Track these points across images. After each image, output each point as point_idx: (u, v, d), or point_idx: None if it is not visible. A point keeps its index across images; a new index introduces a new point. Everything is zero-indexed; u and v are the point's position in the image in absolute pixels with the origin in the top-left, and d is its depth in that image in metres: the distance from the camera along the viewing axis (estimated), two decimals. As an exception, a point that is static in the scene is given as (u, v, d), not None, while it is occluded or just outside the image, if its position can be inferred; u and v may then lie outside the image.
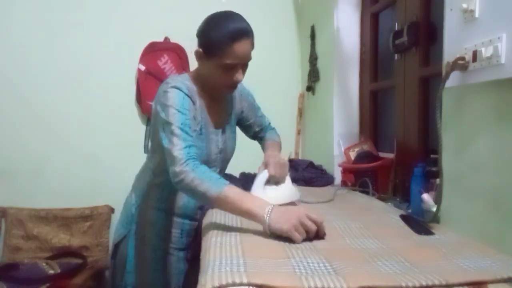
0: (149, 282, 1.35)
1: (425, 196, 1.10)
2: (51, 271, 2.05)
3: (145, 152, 2.31)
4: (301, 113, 2.60)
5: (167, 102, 1.16)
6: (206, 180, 1.03)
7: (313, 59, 2.32)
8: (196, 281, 0.73)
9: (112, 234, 1.71)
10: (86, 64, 2.41)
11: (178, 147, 1.09)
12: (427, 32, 1.45)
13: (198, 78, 1.28)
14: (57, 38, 2.38)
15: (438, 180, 1.03)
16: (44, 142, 2.38)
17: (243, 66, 1.21)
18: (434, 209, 1.05)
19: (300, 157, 2.54)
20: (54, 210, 2.32)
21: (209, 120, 1.31)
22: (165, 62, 2.42)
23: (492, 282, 0.69)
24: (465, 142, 0.99)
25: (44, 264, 2.12)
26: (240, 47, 1.15)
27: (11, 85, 2.35)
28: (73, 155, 2.41)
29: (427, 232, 1.00)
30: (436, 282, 0.67)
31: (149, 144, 1.39)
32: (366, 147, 1.78)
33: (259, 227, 0.98)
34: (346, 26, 2.01)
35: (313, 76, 2.30)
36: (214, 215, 1.16)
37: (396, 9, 1.67)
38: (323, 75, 2.23)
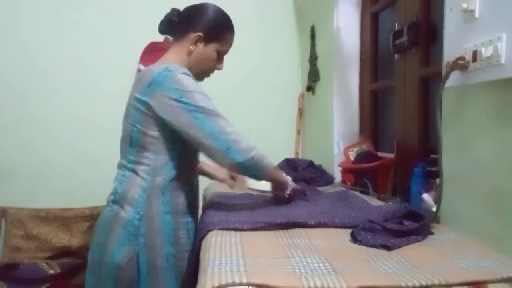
0: None
1: (425, 196, 1.10)
2: (51, 271, 2.05)
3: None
4: (301, 113, 2.60)
5: (187, 88, 1.13)
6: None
7: (313, 59, 2.32)
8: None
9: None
10: (86, 64, 2.41)
11: (232, 128, 1.13)
12: (427, 32, 1.45)
13: (184, 63, 1.26)
14: (57, 38, 2.38)
15: (438, 180, 1.03)
16: (44, 142, 2.38)
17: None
18: (434, 209, 1.05)
19: (300, 157, 2.54)
20: (54, 210, 2.32)
21: None
22: (165, 62, 2.43)
23: (492, 282, 0.69)
24: (465, 142, 0.99)
25: (44, 264, 2.12)
26: (233, 37, 1.31)
27: (11, 85, 2.35)
28: (73, 155, 2.41)
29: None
30: (436, 282, 0.67)
31: (133, 143, 1.23)
32: (365, 147, 1.78)
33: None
34: (346, 26, 2.01)
35: (313, 76, 2.30)
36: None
37: (396, 9, 1.67)
38: (323, 75, 2.23)
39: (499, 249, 0.84)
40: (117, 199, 1.23)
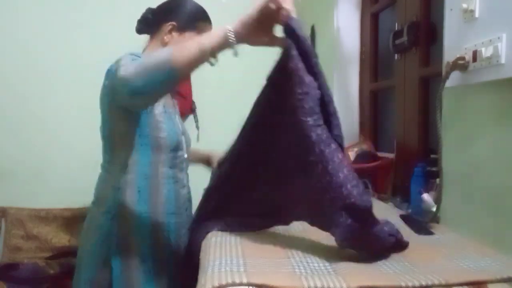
0: None
1: (425, 196, 1.10)
2: (51, 271, 2.05)
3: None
4: (301, 113, 2.59)
5: (119, 61, 1.04)
6: (151, 56, 0.95)
7: (313, 59, 2.31)
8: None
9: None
10: (86, 64, 2.41)
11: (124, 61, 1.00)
12: (427, 32, 1.45)
13: None
14: (57, 38, 2.38)
15: (438, 180, 1.03)
16: (44, 142, 2.38)
17: None
18: (434, 209, 1.05)
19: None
20: (54, 210, 2.32)
21: (166, 99, 1.25)
22: (165, 62, 2.42)
23: (492, 282, 0.68)
24: (465, 142, 0.99)
25: (44, 264, 2.12)
26: (209, 27, 1.27)
27: (11, 85, 2.35)
28: (73, 155, 2.41)
29: (427, 232, 1.00)
30: (436, 282, 0.67)
31: (105, 141, 1.21)
32: (365, 147, 1.78)
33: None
34: (346, 26, 2.01)
35: (313, 76, 2.30)
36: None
37: (396, 9, 1.67)
38: (323, 75, 2.22)
39: (499, 249, 0.84)
40: (94, 201, 1.24)
